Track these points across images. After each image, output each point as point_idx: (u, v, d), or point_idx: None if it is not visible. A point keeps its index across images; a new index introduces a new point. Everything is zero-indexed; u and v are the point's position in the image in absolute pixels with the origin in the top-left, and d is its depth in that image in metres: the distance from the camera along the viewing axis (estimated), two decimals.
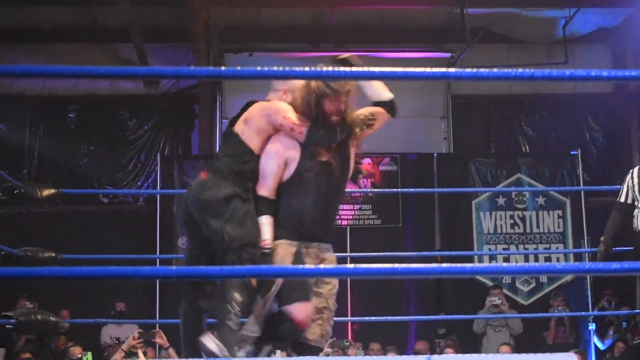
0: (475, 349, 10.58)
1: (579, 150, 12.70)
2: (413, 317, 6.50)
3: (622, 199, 6.57)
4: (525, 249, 11.99)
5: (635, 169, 6.61)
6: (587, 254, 11.99)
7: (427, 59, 13.53)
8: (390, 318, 9.32)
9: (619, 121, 14.42)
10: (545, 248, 12.04)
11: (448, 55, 13.50)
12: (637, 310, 11.67)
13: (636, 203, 6.43)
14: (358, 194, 11.75)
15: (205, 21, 12.91)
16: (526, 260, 11.99)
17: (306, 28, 13.45)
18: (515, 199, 12.10)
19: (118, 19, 12.34)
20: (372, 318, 9.63)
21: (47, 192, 6.46)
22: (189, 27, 12.68)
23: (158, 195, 12.40)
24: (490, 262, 11.81)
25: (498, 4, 13.24)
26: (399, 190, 12.15)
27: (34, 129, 13.73)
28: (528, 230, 12.10)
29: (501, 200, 12.12)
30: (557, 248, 12.01)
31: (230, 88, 14.16)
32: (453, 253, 10.59)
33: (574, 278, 11.87)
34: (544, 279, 11.91)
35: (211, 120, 13.74)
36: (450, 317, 11.41)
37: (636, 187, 6.44)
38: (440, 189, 12.66)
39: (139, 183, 13.85)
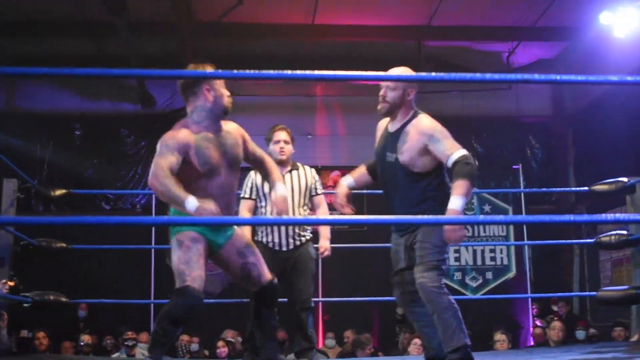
0: None
1: (521, 164, 12.89)
2: (378, 297, 6.66)
3: None
4: (474, 248, 12.20)
5: None
6: (527, 247, 12.29)
7: None
8: (355, 299, 9.35)
9: (557, 139, 14.67)
10: (491, 249, 12.26)
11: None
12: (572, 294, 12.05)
13: None
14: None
15: (195, 51, 13.07)
16: (474, 254, 12.16)
17: (284, 57, 13.62)
18: (465, 207, 12.27)
19: (119, 49, 12.48)
20: (338, 299, 9.70)
21: (58, 192, 6.60)
22: (180, 56, 12.84)
23: (153, 202, 12.54)
24: None
25: (451, 38, 13.47)
26: (365, 191, 12.31)
27: (44, 144, 13.90)
28: (476, 234, 12.29)
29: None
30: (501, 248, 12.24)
31: None
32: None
33: (516, 274, 12.10)
34: (490, 275, 12.11)
35: None
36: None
37: None
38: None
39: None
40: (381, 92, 4.40)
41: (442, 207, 4.20)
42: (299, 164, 6.03)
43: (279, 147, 5.85)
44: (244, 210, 5.78)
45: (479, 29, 13.18)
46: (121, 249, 11.20)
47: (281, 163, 5.82)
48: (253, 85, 14.10)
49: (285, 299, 5.75)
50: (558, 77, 3.53)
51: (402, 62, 13.80)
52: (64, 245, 6.43)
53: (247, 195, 5.82)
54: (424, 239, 4.27)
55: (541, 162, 14.70)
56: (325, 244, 5.90)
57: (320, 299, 11.13)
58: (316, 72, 3.86)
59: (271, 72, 3.49)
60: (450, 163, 4.19)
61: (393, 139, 4.41)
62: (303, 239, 5.77)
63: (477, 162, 13.99)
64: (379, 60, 13.57)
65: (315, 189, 5.97)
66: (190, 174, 4.23)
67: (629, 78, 3.62)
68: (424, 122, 4.32)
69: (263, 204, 5.75)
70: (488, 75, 3.48)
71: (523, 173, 12.81)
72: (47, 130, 14.01)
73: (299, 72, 3.61)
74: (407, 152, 4.35)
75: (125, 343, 9.75)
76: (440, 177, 4.41)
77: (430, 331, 4.36)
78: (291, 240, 5.68)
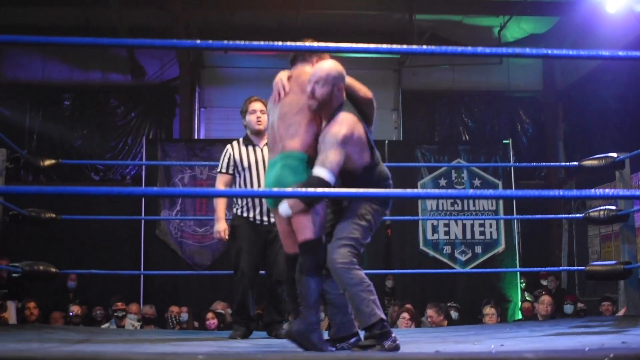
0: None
1: (511, 139, 12.90)
2: (366, 270, 6.69)
3: None
4: (463, 223, 12.22)
5: None
6: (516, 221, 12.34)
7: (379, 59, 13.75)
8: None
9: (547, 115, 14.68)
10: (480, 224, 12.28)
11: (398, 55, 13.70)
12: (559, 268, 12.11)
13: None
14: None
15: (186, 22, 13.01)
16: (464, 228, 12.20)
17: (273, 29, 13.55)
18: (455, 181, 12.29)
19: (108, 19, 12.40)
20: None
21: (48, 162, 6.56)
22: (171, 27, 12.76)
23: (143, 173, 12.50)
24: (432, 232, 12.12)
25: (442, 12, 13.43)
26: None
27: (33, 114, 13.86)
28: (466, 208, 12.29)
29: (443, 182, 12.31)
30: (490, 222, 12.27)
31: (207, 80, 14.33)
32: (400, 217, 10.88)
33: (505, 249, 12.13)
34: (479, 249, 12.14)
35: (190, 109, 13.90)
36: (396, 271, 11.70)
37: None
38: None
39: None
40: (309, 88, 4.16)
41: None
42: None
43: (255, 116, 5.79)
44: (220, 185, 5.75)
45: (470, 2, 13.14)
46: (111, 220, 11.20)
47: (258, 134, 5.80)
48: (243, 56, 14.05)
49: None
50: (549, 52, 3.52)
51: (394, 35, 13.78)
52: (53, 215, 6.41)
53: (224, 170, 5.76)
54: (344, 216, 4.18)
55: (531, 137, 14.73)
56: None
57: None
58: (307, 43, 3.84)
59: (261, 43, 3.47)
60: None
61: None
62: None
63: (467, 136, 14.19)
64: (370, 33, 13.56)
65: None
66: None
67: (621, 53, 3.62)
68: (329, 126, 4.12)
69: (242, 177, 5.71)
70: (479, 49, 3.47)
71: (513, 148, 12.79)
72: (36, 100, 13.94)
73: (289, 43, 3.59)
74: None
75: (115, 314, 9.75)
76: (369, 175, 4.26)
77: (332, 309, 4.26)
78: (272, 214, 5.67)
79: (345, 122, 4.08)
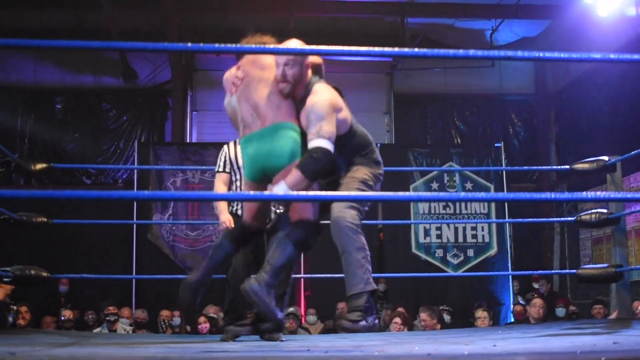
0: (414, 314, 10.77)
1: (503, 142, 12.92)
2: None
3: None
4: (455, 226, 12.24)
5: None
6: (508, 224, 12.36)
7: (372, 62, 13.78)
8: (337, 275, 9.23)
9: (539, 118, 14.71)
10: (472, 227, 12.30)
11: (391, 58, 13.74)
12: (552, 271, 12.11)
13: None
14: None
15: (179, 25, 13.01)
16: (456, 232, 12.21)
17: (266, 32, 13.54)
18: (447, 184, 12.31)
19: (101, 22, 12.39)
20: (319, 275, 9.65)
21: (39, 166, 6.55)
22: (164, 29, 12.74)
23: (135, 177, 12.48)
24: (425, 236, 12.13)
25: (434, 15, 13.47)
26: None
27: (25, 118, 13.85)
28: (458, 211, 12.31)
29: (435, 185, 12.31)
30: (482, 226, 12.29)
31: (199, 83, 14.32)
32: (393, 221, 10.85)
33: (497, 252, 12.15)
34: (471, 252, 12.16)
35: (182, 112, 13.89)
36: (390, 275, 11.68)
37: None
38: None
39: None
40: (279, 72, 4.10)
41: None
42: None
43: None
44: (220, 184, 5.80)
45: (462, 6, 13.17)
46: (103, 224, 11.18)
47: None
48: (235, 59, 14.05)
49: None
50: (541, 55, 3.53)
51: (386, 39, 13.78)
52: (45, 219, 6.40)
53: (221, 169, 5.82)
54: (351, 175, 4.13)
55: (523, 140, 14.77)
56: None
57: (302, 275, 11.15)
58: (297, 45, 3.84)
59: (254, 46, 3.47)
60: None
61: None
62: (277, 212, 5.74)
63: (459, 140, 14.22)
64: (363, 36, 13.57)
65: None
66: None
67: (612, 56, 3.62)
68: (309, 99, 4.09)
69: (237, 177, 5.74)
70: (471, 52, 3.48)
71: (505, 151, 12.81)
72: (28, 103, 13.92)
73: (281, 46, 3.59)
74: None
75: (107, 318, 9.73)
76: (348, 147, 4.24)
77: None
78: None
79: (324, 91, 4.09)
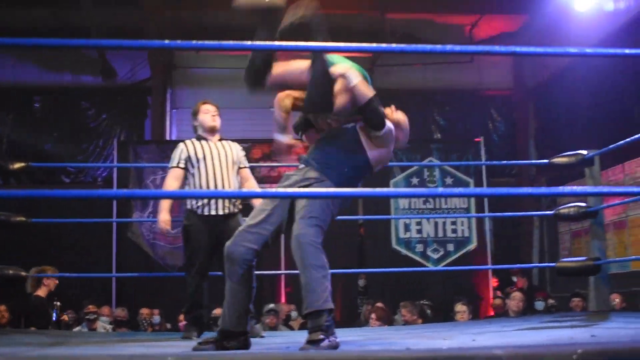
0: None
1: (482, 137, 12.97)
2: (340, 270, 6.55)
3: None
4: (435, 221, 12.28)
5: None
6: (488, 219, 12.40)
7: (351, 58, 13.76)
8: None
9: (518, 113, 14.79)
10: (452, 222, 12.35)
11: (371, 54, 13.75)
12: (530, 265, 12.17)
13: None
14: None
15: (159, 22, 12.96)
16: (436, 226, 12.25)
17: (247, 29, 13.52)
18: (427, 179, 12.34)
19: (80, 20, 12.34)
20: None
21: (18, 166, 6.51)
22: (143, 27, 12.69)
23: (114, 176, 12.44)
24: (405, 231, 12.16)
25: (414, 10, 13.49)
26: None
27: (3, 117, 13.76)
28: (438, 206, 12.35)
29: (415, 180, 12.35)
30: (462, 220, 12.34)
31: (179, 81, 14.29)
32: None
33: (477, 246, 12.21)
34: (451, 247, 12.21)
35: (162, 110, 13.86)
36: (370, 270, 11.70)
37: None
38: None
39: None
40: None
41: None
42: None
43: (210, 115, 5.89)
44: (172, 179, 5.73)
45: (442, 1, 13.21)
46: (82, 223, 11.13)
47: (212, 131, 5.87)
48: (215, 57, 14.02)
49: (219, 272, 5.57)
50: (517, 49, 3.54)
51: (366, 35, 13.79)
52: (23, 218, 6.36)
53: (174, 164, 5.76)
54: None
55: (502, 135, 14.83)
56: None
57: (283, 271, 11.15)
58: (277, 42, 3.84)
59: (232, 42, 3.45)
60: None
61: None
62: (235, 208, 5.72)
63: (438, 135, 14.27)
64: (342, 32, 13.56)
65: (243, 161, 5.97)
66: None
67: (589, 50, 3.64)
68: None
69: (193, 172, 5.70)
70: (448, 47, 3.48)
71: (484, 146, 12.85)
72: (6, 102, 13.84)
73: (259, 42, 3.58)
74: None
75: (87, 317, 9.69)
76: None
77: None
78: (226, 204, 5.65)
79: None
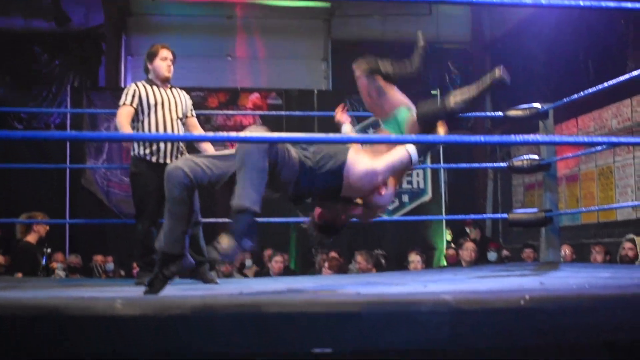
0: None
1: (439, 90, 13.00)
2: (295, 218, 6.57)
3: None
4: None
5: None
6: (443, 170, 12.47)
7: (310, 8, 13.70)
8: (272, 220, 9.01)
9: (475, 66, 14.82)
10: (407, 173, 12.42)
11: (329, 5, 13.71)
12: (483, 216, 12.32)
13: None
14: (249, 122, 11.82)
15: None
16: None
17: None
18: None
19: None
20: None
21: None
22: None
23: (68, 122, 12.31)
24: None
25: None
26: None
27: None
28: None
29: (372, 131, 12.35)
30: (417, 172, 12.42)
31: (135, 28, 14.10)
32: None
33: (431, 198, 12.32)
34: (406, 198, 12.30)
35: (116, 57, 13.69)
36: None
37: None
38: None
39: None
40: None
41: None
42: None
43: (166, 64, 5.72)
44: (123, 117, 5.57)
45: None
46: (35, 169, 11.02)
47: (165, 81, 5.74)
48: (171, 5, 13.84)
49: None
50: None
51: None
52: None
53: (128, 102, 5.59)
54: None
55: (459, 88, 14.87)
56: None
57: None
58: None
59: None
60: None
61: None
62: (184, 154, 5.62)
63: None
64: None
65: (191, 110, 5.91)
66: None
67: (543, 1, 3.66)
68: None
69: (143, 119, 5.61)
70: None
71: (441, 98, 12.88)
72: None
73: None
74: None
75: None
76: None
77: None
78: (175, 153, 5.60)
79: None
